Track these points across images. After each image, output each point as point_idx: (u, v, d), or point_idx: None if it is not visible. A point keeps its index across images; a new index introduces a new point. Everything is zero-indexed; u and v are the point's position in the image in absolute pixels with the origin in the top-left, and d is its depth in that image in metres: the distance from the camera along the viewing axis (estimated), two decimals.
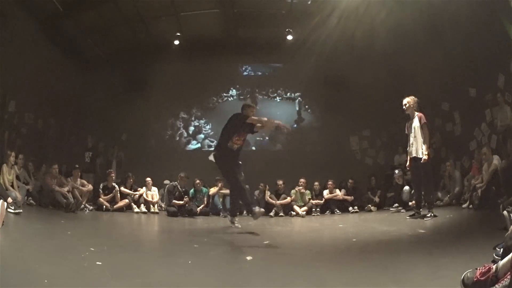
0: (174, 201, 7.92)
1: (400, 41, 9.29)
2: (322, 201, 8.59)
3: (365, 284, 2.57)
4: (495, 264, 2.14)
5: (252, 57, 11.51)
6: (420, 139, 5.80)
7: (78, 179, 8.07)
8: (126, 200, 8.31)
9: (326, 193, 8.66)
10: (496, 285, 2.06)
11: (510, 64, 6.61)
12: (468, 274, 2.20)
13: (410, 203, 7.29)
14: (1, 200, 4.38)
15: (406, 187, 7.85)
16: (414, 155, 5.88)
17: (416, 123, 5.88)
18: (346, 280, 2.69)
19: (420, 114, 5.89)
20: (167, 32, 10.23)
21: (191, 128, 11.70)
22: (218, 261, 3.45)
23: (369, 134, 11.31)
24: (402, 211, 7.54)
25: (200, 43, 10.52)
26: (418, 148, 5.81)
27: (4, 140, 7.84)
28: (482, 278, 2.11)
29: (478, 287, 2.11)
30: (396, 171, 8.48)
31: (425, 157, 5.69)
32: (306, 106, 11.85)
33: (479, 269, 2.17)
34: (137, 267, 3.01)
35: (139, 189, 8.61)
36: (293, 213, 8.29)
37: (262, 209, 5.73)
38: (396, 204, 8.17)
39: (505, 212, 3.39)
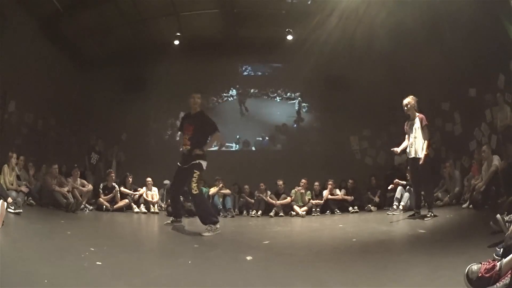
0: (169, 200, 7.93)
1: (400, 41, 9.30)
2: (322, 201, 8.59)
3: (365, 284, 2.56)
4: (499, 262, 2.14)
5: (252, 57, 11.51)
6: (420, 140, 5.79)
7: (78, 179, 8.08)
8: (126, 200, 8.31)
9: (326, 193, 8.66)
10: (497, 284, 2.06)
11: (510, 64, 6.61)
12: (473, 268, 2.18)
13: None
14: (1, 200, 4.38)
15: (406, 194, 7.80)
16: (413, 155, 5.86)
17: (417, 124, 5.86)
18: (346, 280, 2.69)
19: (421, 116, 5.86)
20: (167, 32, 10.23)
21: None
22: (218, 261, 3.45)
23: (369, 134, 11.31)
24: (401, 211, 7.53)
25: (200, 43, 10.52)
26: (418, 149, 5.78)
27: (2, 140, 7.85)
28: (486, 275, 2.11)
29: (481, 283, 2.11)
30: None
31: (422, 155, 5.68)
32: (306, 106, 11.86)
33: (484, 264, 2.16)
34: (137, 267, 3.01)
35: (139, 189, 8.62)
36: (293, 213, 8.29)
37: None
38: (396, 204, 8.14)
39: (498, 216, 3.39)
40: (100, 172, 9.79)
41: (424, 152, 5.69)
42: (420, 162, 5.69)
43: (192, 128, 5.15)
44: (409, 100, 5.96)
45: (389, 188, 8.43)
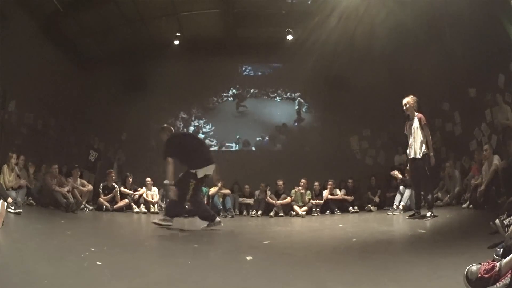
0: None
1: (400, 41, 9.30)
2: (322, 201, 8.59)
3: (365, 284, 2.56)
4: (499, 262, 2.14)
5: (252, 57, 11.51)
6: (419, 140, 5.78)
7: (78, 179, 8.09)
8: (126, 200, 8.33)
9: (326, 193, 8.66)
10: (497, 284, 2.06)
11: (510, 64, 6.61)
12: (472, 268, 2.18)
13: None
14: (1, 200, 4.38)
15: (406, 194, 7.81)
16: (412, 156, 5.86)
17: (416, 124, 5.85)
18: (346, 280, 2.69)
19: (420, 115, 5.86)
20: (167, 32, 10.22)
21: (191, 128, 11.69)
22: (218, 261, 3.45)
23: (369, 134, 11.31)
24: (401, 211, 7.54)
25: (200, 43, 10.52)
26: (417, 149, 5.78)
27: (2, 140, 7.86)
28: (486, 276, 2.11)
29: (481, 283, 2.11)
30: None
31: (421, 156, 5.70)
32: (306, 106, 11.86)
33: (483, 265, 2.16)
34: (137, 267, 3.00)
35: (139, 189, 8.62)
36: (293, 213, 8.29)
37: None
38: (396, 204, 8.16)
39: (497, 221, 3.39)
40: (100, 171, 9.78)
41: (430, 153, 5.70)
42: (432, 163, 5.70)
43: None
44: (408, 99, 5.95)
45: (391, 173, 8.40)
